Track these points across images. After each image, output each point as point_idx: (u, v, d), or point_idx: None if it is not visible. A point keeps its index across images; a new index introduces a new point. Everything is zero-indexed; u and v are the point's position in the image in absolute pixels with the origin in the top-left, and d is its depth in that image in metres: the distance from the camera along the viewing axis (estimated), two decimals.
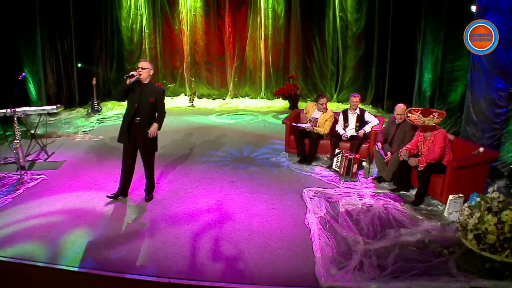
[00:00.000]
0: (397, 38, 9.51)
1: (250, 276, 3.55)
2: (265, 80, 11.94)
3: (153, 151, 4.97)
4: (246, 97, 12.03)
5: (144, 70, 4.68)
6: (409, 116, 5.32)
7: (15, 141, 5.54)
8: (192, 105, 11.27)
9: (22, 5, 8.55)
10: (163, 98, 4.91)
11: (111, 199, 5.02)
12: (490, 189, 4.26)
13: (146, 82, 4.76)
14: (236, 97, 11.94)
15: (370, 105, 10.46)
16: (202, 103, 11.50)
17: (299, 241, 4.14)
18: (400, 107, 5.78)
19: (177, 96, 11.96)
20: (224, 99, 11.85)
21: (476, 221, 3.92)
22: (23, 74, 6.29)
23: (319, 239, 4.16)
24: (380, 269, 3.67)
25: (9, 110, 5.95)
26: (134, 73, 4.66)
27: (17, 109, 6.09)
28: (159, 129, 4.84)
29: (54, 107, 6.96)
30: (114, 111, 10.20)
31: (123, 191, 5.10)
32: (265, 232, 4.31)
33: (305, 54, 11.51)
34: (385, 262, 3.76)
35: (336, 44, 11.23)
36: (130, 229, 4.40)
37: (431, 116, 5.18)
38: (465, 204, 4.27)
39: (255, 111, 10.71)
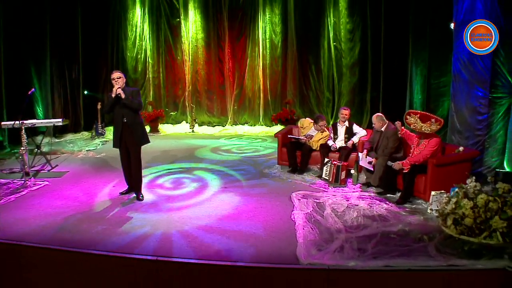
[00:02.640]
0: (389, 63, 9.95)
1: (234, 255, 3.73)
2: (263, 107, 12.29)
3: (142, 144, 5.36)
4: (245, 124, 12.37)
5: (119, 79, 5.21)
6: (407, 119, 5.49)
7: (21, 148, 5.90)
8: (193, 131, 11.64)
9: (35, 33, 9.23)
10: (138, 94, 5.42)
11: (121, 195, 5.56)
12: (468, 180, 4.45)
13: (123, 87, 5.24)
14: (235, 124, 12.29)
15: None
16: (202, 130, 11.86)
17: (283, 231, 4.32)
18: (374, 117, 6.14)
19: (179, 123, 12.34)
20: (224, 126, 12.20)
21: (453, 206, 4.09)
22: (33, 89, 6.74)
23: (303, 229, 4.34)
24: (360, 251, 3.82)
25: (17, 122, 6.33)
26: (118, 91, 5.12)
27: (25, 121, 6.51)
28: (126, 104, 5.16)
29: (60, 120, 7.38)
30: None
31: (132, 188, 5.56)
32: (252, 224, 4.50)
33: (302, 82, 11.91)
34: (365, 246, 3.91)
35: (332, 72, 11.63)
36: (123, 218, 4.69)
37: (428, 122, 5.27)
38: (445, 195, 4.46)
39: (253, 136, 11.02)
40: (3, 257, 3.85)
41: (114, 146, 5.40)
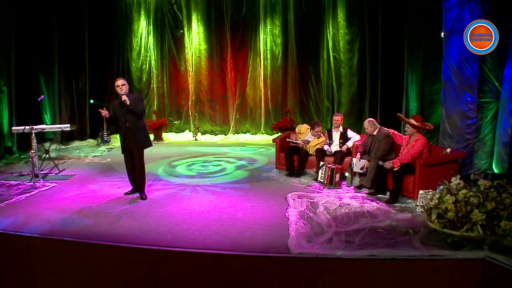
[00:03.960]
0: (387, 72, 10.21)
1: (230, 246, 3.99)
2: (264, 116, 12.59)
3: (145, 147, 5.69)
4: (247, 133, 12.67)
5: (123, 86, 5.54)
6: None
7: (31, 151, 6.25)
8: (196, 139, 11.95)
9: (44, 44, 9.69)
10: (140, 100, 5.73)
11: (126, 195, 5.85)
12: (453, 179, 4.69)
13: (126, 94, 5.57)
14: (237, 133, 12.59)
15: None
16: (205, 138, 12.18)
17: (277, 225, 4.57)
18: (365, 122, 6.49)
19: (182, 132, 12.66)
20: (226, 135, 12.51)
21: (437, 202, 4.34)
22: (42, 96, 7.11)
23: (296, 224, 4.58)
24: (347, 243, 4.05)
25: (27, 127, 6.68)
26: (123, 98, 5.42)
27: (35, 126, 6.86)
28: (130, 110, 5.50)
29: (68, 125, 7.75)
30: None
31: (135, 189, 5.85)
32: (248, 220, 4.76)
33: (302, 91, 12.20)
34: (353, 239, 4.14)
35: (331, 82, 11.89)
36: (128, 215, 5.00)
37: (418, 123, 5.70)
38: (430, 193, 4.70)
39: (255, 143, 11.31)
40: (15, 247, 4.14)
41: (122, 151, 5.72)
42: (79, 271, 3.97)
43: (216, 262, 3.80)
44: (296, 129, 7.73)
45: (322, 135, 7.24)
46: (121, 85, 5.53)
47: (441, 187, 4.64)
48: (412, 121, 5.66)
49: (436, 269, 3.73)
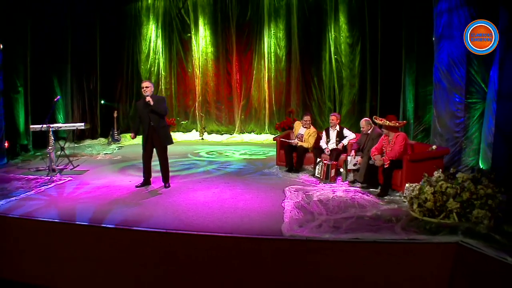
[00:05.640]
0: (386, 74, 10.63)
1: (230, 229, 4.45)
2: (268, 117, 13.03)
3: (167, 144, 6.24)
4: (252, 132, 13.13)
5: (148, 88, 6.02)
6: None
7: (49, 148, 6.77)
8: (202, 139, 12.45)
9: (58, 48, 10.27)
10: (162, 101, 6.22)
11: (136, 188, 6.31)
12: (435, 173, 5.10)
13: (151, 96, 6.05)
14: (242, 133, 13.06)
15: None
16: (211, 138, 12.67)
17: (273, 214, 5.02)
18: (362, 121, 6.93)
19: (189, 132, 13.17)
20: (231, 134, 12.98)
21: (417, 192, 4.76)
22: (58, 97, 7.66)
23: (290, 212, 5.03)
24: (335, 228, 4.48)
25: (45, 125, 7.21)
26: (148, 99, 5.92)
27: (51, 125, 7.39)
28: (153, 110, 5.99)
29: (82, 124, 8.30)
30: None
31: (146, 182, 6.40)
32: (247, 209, 5.22)
33: (305, 93, 12.61)
34: (340, 225, 4.58)
35: (333, 84, 12.28)
36: (139, 204, 5.47)
37: (393, 121, 6.12)
38: (414, 185, 5.11)
39: (258, 143, 11.78)
40: (36, 231, 4.67)
41: (144, 147, 6.21)
42: (95, 253, 4.45)
43: (217, 243, 4.25)
44: (294, 128, 8.20)
45: (311, 125, 7.68)
46: (146, 87, 6.02)
47: (423, 180, 5.06)
48: (386, 123, 6.06)
49: (413, 251, 4.13)
